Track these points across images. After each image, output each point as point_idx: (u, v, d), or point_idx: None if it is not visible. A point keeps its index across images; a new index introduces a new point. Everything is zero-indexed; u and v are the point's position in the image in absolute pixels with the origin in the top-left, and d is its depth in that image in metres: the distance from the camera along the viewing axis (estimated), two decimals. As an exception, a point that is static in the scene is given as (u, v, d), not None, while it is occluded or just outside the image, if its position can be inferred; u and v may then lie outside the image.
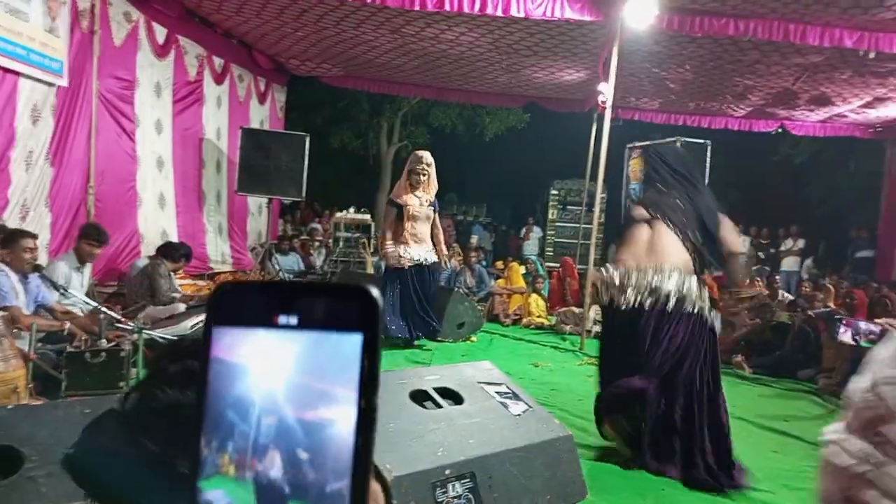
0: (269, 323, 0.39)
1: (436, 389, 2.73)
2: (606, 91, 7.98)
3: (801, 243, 14.21)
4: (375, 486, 0.39)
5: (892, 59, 8.21)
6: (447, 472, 2.31)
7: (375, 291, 0.38)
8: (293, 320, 0.39)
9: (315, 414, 0.38)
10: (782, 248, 14.45)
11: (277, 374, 0.39)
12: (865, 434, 0.51)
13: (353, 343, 0.38)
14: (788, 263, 14.08)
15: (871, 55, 7.84)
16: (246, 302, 0.41)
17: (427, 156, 7.36)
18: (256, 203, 11.27)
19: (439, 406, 2.67)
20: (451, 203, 20.88)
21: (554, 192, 17.83)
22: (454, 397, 2.76)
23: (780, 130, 12.55)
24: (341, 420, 0.38)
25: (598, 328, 9.06)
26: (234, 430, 0.40)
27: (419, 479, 2.21)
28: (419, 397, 2.66)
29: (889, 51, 7.59)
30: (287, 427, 0.39)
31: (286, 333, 0.39)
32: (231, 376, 0.40)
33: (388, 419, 2.41)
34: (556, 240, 17.57)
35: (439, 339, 7.43)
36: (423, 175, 7.22)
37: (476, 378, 2.94)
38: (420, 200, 7.20)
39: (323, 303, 0.39)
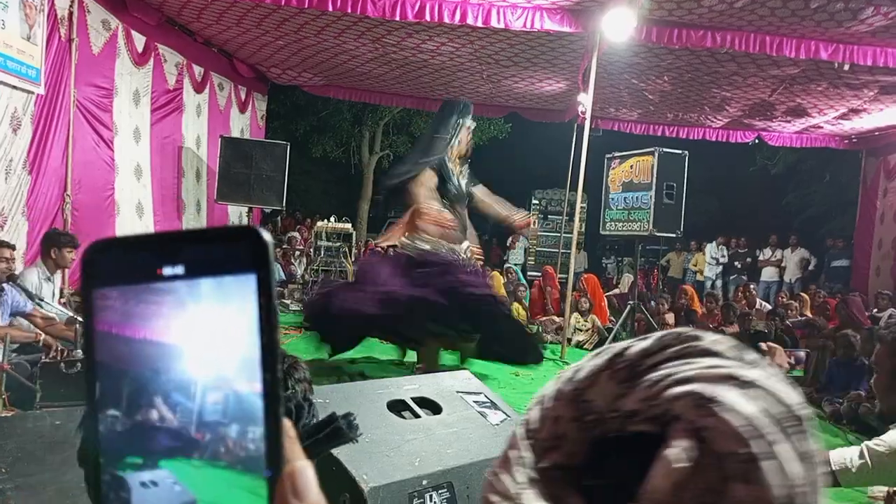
0: (154, 276, 0.37)
1: (414, 399, 2.73)
2: (586, 102, 8.03)
3: (779, 254, 14.32)
4: (286, 422, 0.39)
5: (866, 72, 8.35)
6: (424, 482, 2.31)
7: (264, 231, 0.36)
8: (179, 270, 0.37)
9: (218, 363, 0.37)
10: (760, 258, 14.55)
11: (171, 329, 0.37)
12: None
13: (246, 284, 0.36)
14: (768, 273, 14.17)
15: (846, 67, 7.96)
16: (125, 258, 0.38)
17: None
18: (237, 212, 11.21)
19: (417, 416, 2.66)
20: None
21: (535, 201, 17.91)
22: (432, 407, 2.76)
23: (757, 141, 12.71)
24: (245, 363, 0.36)
25: (579, 337, 9.11)
26: (135, 400, 0.38)
27: (396, 490, 2.20)
28: (397, 407, 2.66)
29: (863, 63, 7.71)
30: (192, 381, 0.37)
31: (173, 285, 0.37)
32: (121, 344, 0.38)
33: (366, 429, 2.40)
34: (538, 249, 17.65)
35: None
36: None
37: (454, 387, 2.94)
38: None
39: (209, 247, 0.37)
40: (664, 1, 6.89)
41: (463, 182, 6.23)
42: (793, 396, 0.52)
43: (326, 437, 0.79)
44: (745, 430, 0.48)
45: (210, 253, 0.37)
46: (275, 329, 0.36)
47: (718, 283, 14.45)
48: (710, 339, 0.56)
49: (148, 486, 0.38)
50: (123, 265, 0.38)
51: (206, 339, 0.37)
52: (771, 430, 0.49)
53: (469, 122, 6.21)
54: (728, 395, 0.50)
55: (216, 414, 0.37)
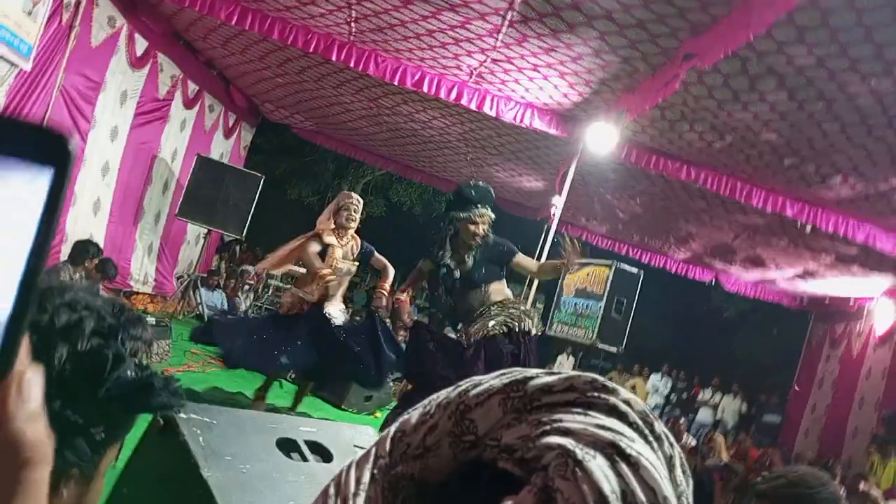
0: None
1: (306, 442, 2.64)
2: (558, 204, 8.14)
3: (717, 397, 14.39)
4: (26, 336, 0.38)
5: (826, 237, 8.63)
6: (292, 527, 2.21)
7: (70, 136, 0.37)
8: None
9: None
10: (700, 398, 14.63)
11: None
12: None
13: (42, 175, 0.36)
14: (704, 414, 14.23)
15: (808, 229, 8.20)
16: None
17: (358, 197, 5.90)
18: (195, 232, 11.07)
19: (305, 459, 2.57)
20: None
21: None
22: (324, 454, 2.67)
23: (714, 282, 12.97)
24: (16, 243, 0.36)
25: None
26: None
27: (259, 527, 2.11)
28: (287, 446, 2.56)
29: (824, 228, 7.93)
30: None
31: None
32: None
33: (247, 461, 2.31)
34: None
35: (343, 407, 7.23)
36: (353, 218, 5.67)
37: (353, 440, 2.86)
38: (344, 251, 5.72)
39: (13, 131, 0.37)
40: (648, 126, 7.14)
41: (464, 266, 4.90)
42: (669, 489, 0.46)
43: (136, 390, 0.74)
44: None
45: (13, 138, 0.37)
46: (53, 229, 0.37)
47: (656, 412, 14.43)
48: (623, 397, 0.51)
49: None
50: None
51: None
52: None
53: (464, 214, 4.87)
54: (596, 465, 0.45)
55: None
